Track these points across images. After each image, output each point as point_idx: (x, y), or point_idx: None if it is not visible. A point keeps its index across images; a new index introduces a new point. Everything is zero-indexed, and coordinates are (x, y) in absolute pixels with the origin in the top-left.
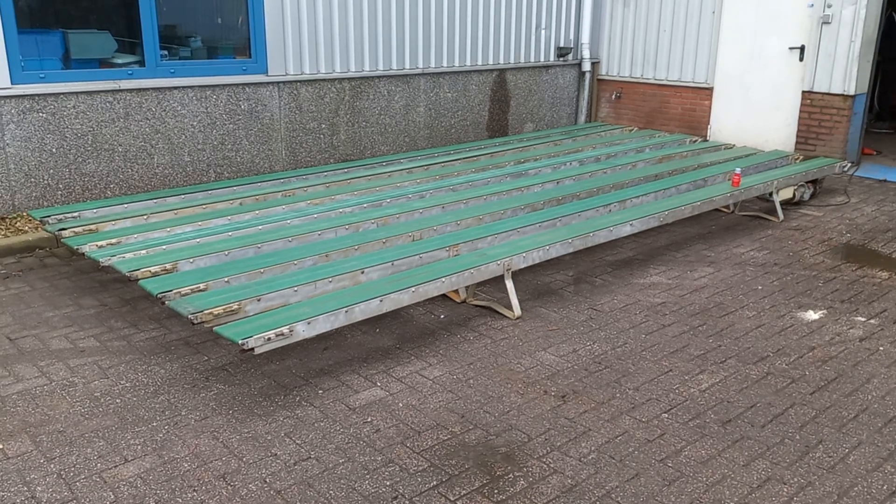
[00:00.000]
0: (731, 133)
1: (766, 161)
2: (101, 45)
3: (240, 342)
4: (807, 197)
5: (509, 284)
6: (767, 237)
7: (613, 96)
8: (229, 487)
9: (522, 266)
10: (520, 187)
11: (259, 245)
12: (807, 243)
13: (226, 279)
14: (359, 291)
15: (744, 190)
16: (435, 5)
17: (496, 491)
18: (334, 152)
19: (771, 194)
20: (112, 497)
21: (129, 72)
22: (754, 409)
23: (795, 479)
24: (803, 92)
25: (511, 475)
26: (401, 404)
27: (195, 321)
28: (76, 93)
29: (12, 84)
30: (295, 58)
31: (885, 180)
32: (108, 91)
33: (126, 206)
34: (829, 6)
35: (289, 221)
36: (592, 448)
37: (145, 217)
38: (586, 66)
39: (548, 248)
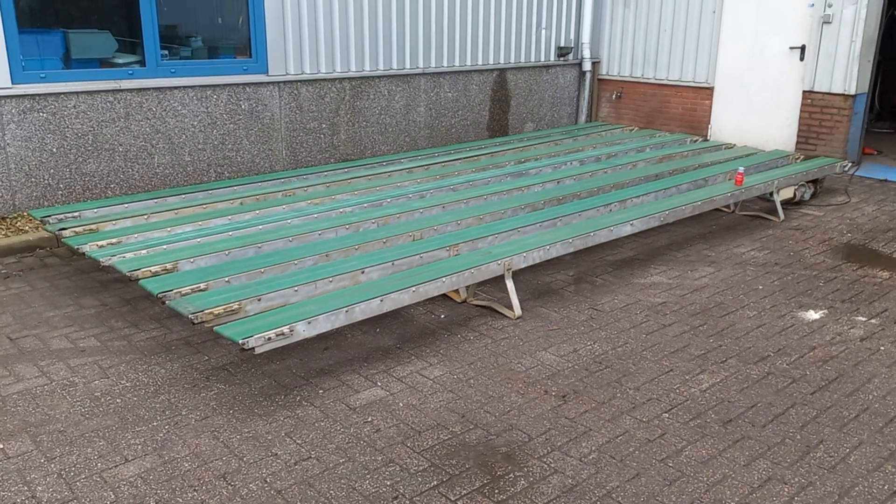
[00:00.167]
0: (731, 133)
1: (767, 161)
2: (102, 44)
3: (240, 342)
4: (807, 197)
5: (510, 284)
6: (768, 237)
7: (614, 96)
8: (230, 487)
9: (523, 266)
10: (520, 187)
11: (259, 245)
12: (807, 243)
13: (226, 279)
14: (359, 291)
15: (744, 190)
16: (435, 5)
17: (497, 491)
18: (335, 152)
19: (771, 194)
20: (112, 497)
21: (130, 72)
22: (755, 409)
23: (796, 479)
24: (804, 92)
25: (511, 475)
26: (401, 404)
27: (195, 321)
28: (77, 92)
29: (13, 84)
30: (295, 57)
31: (885, 180)
32: (109, 91)
33: (126, 205)
34: (830, 6)
35: (289, 221)
36: (593, 448)
37: (146, 217)
38: (587, 66)
39: (548, 247)
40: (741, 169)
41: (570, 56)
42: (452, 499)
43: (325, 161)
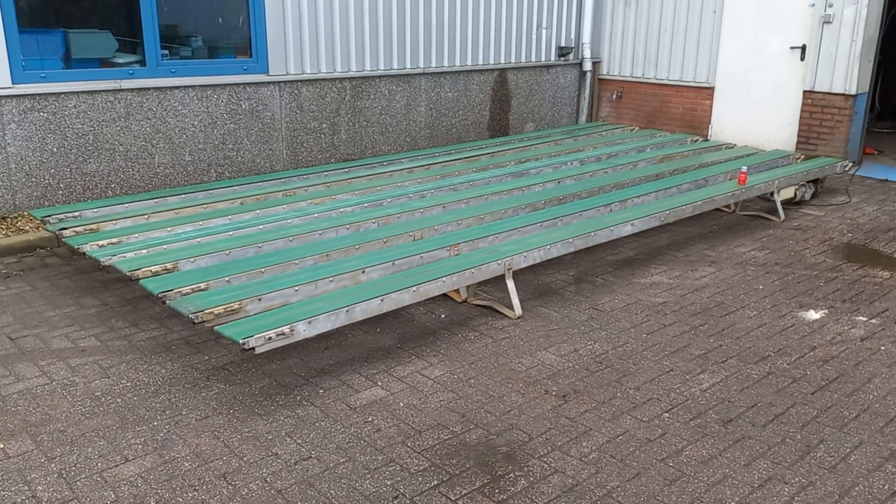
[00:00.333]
0: (732, 133)
1: (768, 160)
2: (102, 44)
3: (240, 341)
4: (808, 196)
5: (510, 284)
6: (768, 237)
7: (614, 96)
8: (230, 487)
9: (523, 265)
10: (521, 187)
11: (260, 244)
12: (808, 243)
13: (226, 279)
14: (359, 291)
15: (745, 189)
16: (436, 5)
17: (497, 490)
18: (335, 152)
19: (772, 194)
20: (113, 496)
21: (130, 71)
22: (755, 409)
23: (797, 479)
24: (804, 91)
25: (512, 475)
26: (402, 404)
27: (196, 321)
28: (77, 92)
29: (13, 84)
30: (296, 57)
31: (886, 180)
32: (109, 91)
33: (127, 205)
34: (831, 5)
35: (289, 221)
36: (593, 447)
37: (146, 217)
38: (587, 66)
39: (549, 247)
40: (744, 168)
41: (571, 56)
42: (453, 498)
43: (326, 161)
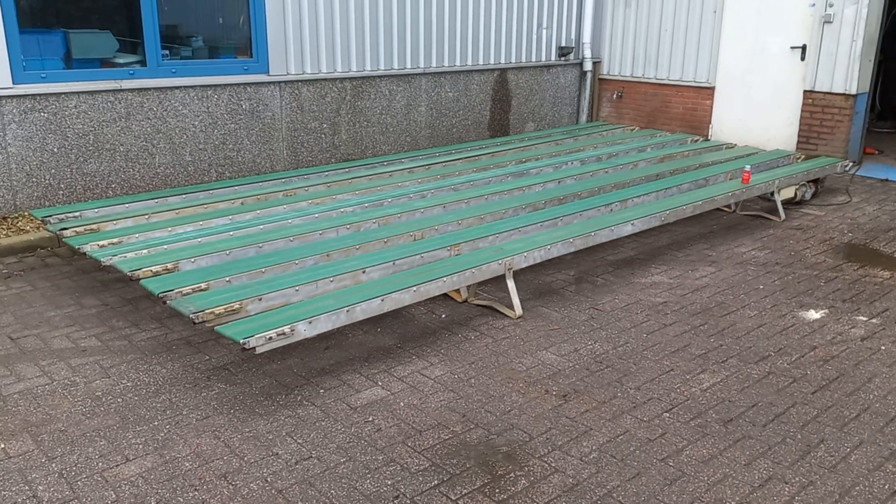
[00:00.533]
0: (732, 132)
1: (768, 160)
2: (103, 44)
3: (241, 341)
4: (808, 196)
5: (510, 284)
6: (769, 237)
7: (615, 96)
8: (231, 487)
9: (524, 265)
10: (521, 187)
11: (260, 244)
12: (808, 243)
13: (227, 279)
14: (360, 291)
15: (745, 189)
16: (436, 5)
17: (497, 490)
18: (335, 152)
19: (772, 193)
20: (113, 496)
21: (131, 71)
22: (756, 409)
23: (797, 479)
24: (805, 91)
25: (512, 474)
26: (402, 403)
27: (196, 320)
28: (77, 92)
29: (14, 84)
30: (296, 57)
31: (886, 180)
32: (110, 91)
33: (127, 205)
34: (831, 5)
35: (290, 221)
36: (594, 447)
37: (146, 217)
38: (587, 66)
39: (549, 247)
40: (748, 167)
41: (571, 56)
42: (453, 498)
43: (326, 161)
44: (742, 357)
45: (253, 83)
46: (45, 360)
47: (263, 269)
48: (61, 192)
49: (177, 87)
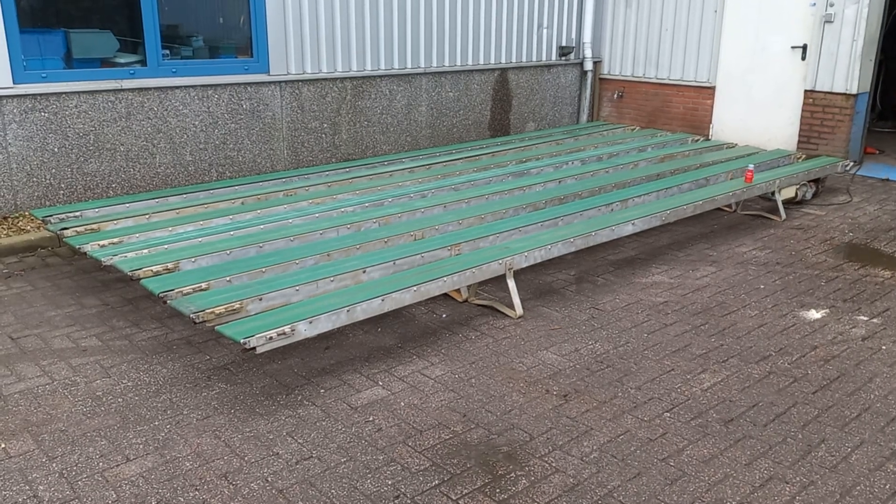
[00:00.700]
0: (733, 132)
1: (769, 160)
2: (103, 44)
3: (241, 341)
4: (809, 196)
5: (511, 284)
6: (770, 236)
7: (615, 95)
8: (231, 486)
9: (524, 265)
10: (522, 186)
11: (261, 244)
12: (809, 242)
13: (227, 278)
14: (360, 290)
15: (746, 189)
16: (436, 4)
17: (498, 490)
18: (336, 152)
19: (773, 193)
20: (114, 496)
21: (131, 71)
22: (756, 409)
23: (798, 479)
24: (805, 91)
25: (513, 474)
26: (402, 403)
27: (197, 320)
28: (78, 92)
29: (14, 84)
30: (297, 57)
31: (887, 179)
32: (110, 91)
33: (128, 205)
34: (832, 5)
35: (290, 221)
36: (594, 447)
37: (147, 216)
38: (588, 66)
39: (549, 247)
40: (751, 166)
41: (572, 55)
42: (454, 498)
43: (327, 161)
44: (743, 357)
45: (253, 83)
46: (45, 360)
47: (264, 269)
48: (62, 191)
49: (177, 87)
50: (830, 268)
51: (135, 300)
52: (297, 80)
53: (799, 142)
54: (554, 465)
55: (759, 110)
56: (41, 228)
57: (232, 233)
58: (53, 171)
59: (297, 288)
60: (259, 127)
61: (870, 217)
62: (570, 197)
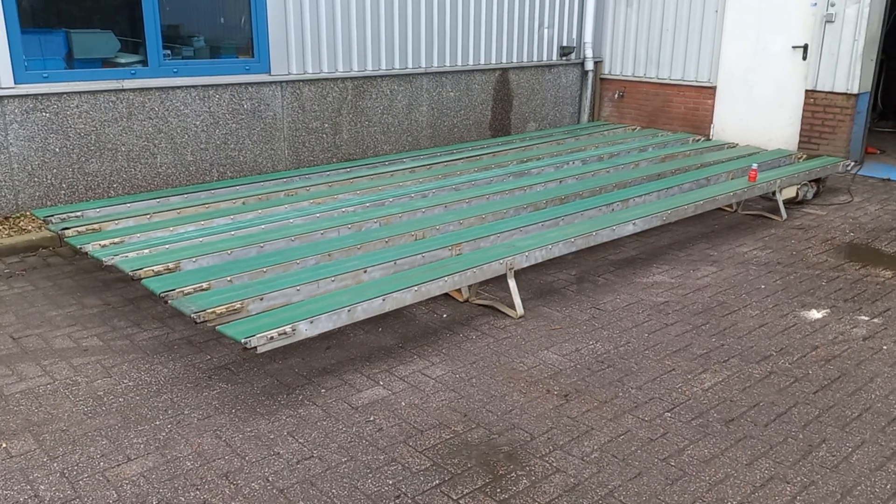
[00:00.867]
0: (734, 132)
1: (770, 160)
2: (104, 44)
3: (242, 341)
4: (810, 196)
5: (512, 283)
6: (770, 236)
7: (616, 95)
8: (232, 486)
9: (525, 265)
10: (522, 186)
11: (262, 244)
12: (810, 242)
13: (228, 278)
14: (361, 290)
15: (747, 189)
16: (437, 4)
17: (499, 490)
18: (337, 152)
19: (774, 193)
20: (115, 496)
21: (132, 71)
22: (757, 409)
23: (798, 479)
24: (806, 91)
25: (513, 474)
26: (403, 403)
27: (198, 320)
28: (79, 92)
29: (15, 84)
30: (298, 57)
31: (888, 179)
32: (112, 91)
33: (129, 205)
34: (833, 4)
35: (291, 221)
36: (595, 447)
37: (148, 216)
38: (589, 66)
39: (550, 247)
40: (755, 165)
41: (573, 55)
42: (454, 498)
43: (328, 161)
44: (743, 357)
45: (254, 83)
46: (46, 360)
47: (265, 269)
48: (63, 191)
49: (178, 87)
50: (831, 268)
51: (136, 300)
52: (298, 80)
53: (800, 142)
54: (555, 464)
55: (759, 110)
56: (42, 228)
57: (233, 233)
58: (55, 170)
59: (298, 288)
60: (260, 127)
61: (871, 217)
62: (571, 197)
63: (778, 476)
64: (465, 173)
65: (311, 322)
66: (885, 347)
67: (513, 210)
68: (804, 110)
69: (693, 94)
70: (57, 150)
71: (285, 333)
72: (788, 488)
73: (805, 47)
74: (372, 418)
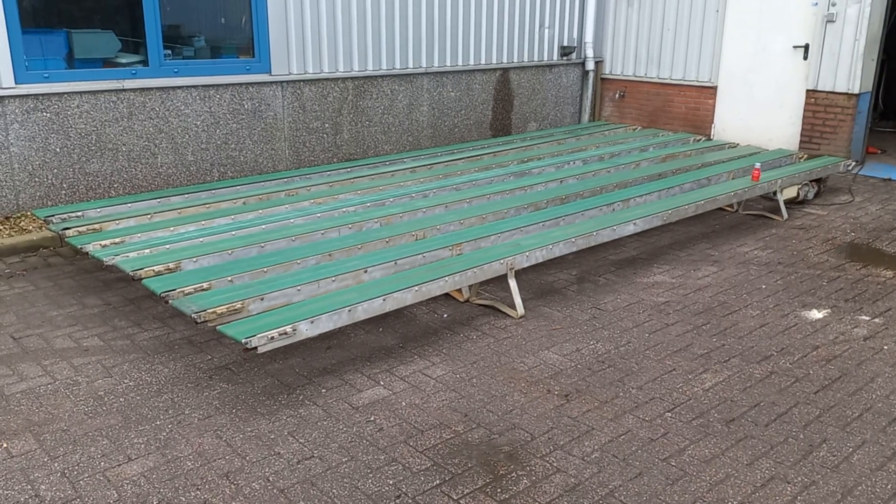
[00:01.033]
0: (734, 132)
1: (771, 160)
2: (105, 44)
3: (243, 341)
4: (811, 196)
5: (512, 283)
6: (771, 236)
7: (617, 95)
8: (232, 486)
9: (526, 265)
10: (523, 186)
11: (262, 244)
12: (811, 242)
13: (229, 278)
14: (362, 290)
15: (748, 189)
16: (438, 4)
17: (499, 490)
18: (337, 152)
19: (775, 193)
20: (115, 496)
21: (133, 71)
22: (758, 408)
23: (799, 479)
24: (807, 90)
25: (514, 474)
26: (404, 403)
27: (199, 320)
28: (80, 92)
29: (16, 84)
30: (298, 57)
31: (889, 179)
32: (112, 91)
33: (130, 205)
34: (834, 4)
35: (292, 221)
36: (595, 447)
37: (149, 216)
38: (590, 65)
39: (551, 246)
40: (758, 164)
41: (574, 55)
42: (455, 498)
43: (328, 161)
44: (744, 357)
45: (255, 83)
46: (47, 360)
47: (265, 269)
48: (64, 191)
49: (179, 87)
50: (832, 268)
51: (136, 300)
52: (299, 80)
53: (801, 141)
54: (555, 464)
55: (760, 110)
56: (43, 228)
57: (234, 233)
58: (55, 171)
59: (299, 288)
60: (261, 127)
61: (872, 217)
62: (572, 197)
63: (779, 476)
64: (465, 173)
65: (312, 322)
66: (885, 347)
67: (513, 210)
68: (805, 110)
69: (694, 94)
70: (58, 150)
71: (286, 333)
72: (789, 488)
73: (806, 47)
74: (372, 418)
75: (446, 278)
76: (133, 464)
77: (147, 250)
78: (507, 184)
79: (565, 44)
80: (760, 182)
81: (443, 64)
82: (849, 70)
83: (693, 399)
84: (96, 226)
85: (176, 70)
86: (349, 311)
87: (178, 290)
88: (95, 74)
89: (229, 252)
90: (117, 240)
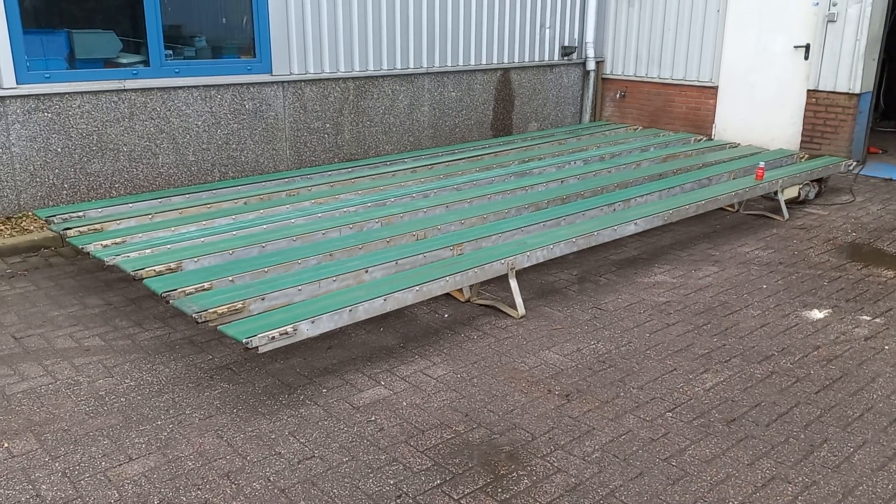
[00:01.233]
0: (735, 132)
1: (772, 160)
2: (106, 44)
3: (244, 341)
4: (812, 196)
5: (513, 283)
6: (772, 236)
7: (618, 95)
8: (233, 486)
9: (526, 265)
10: (524, 186)
11: (263, 244)
12: (812, 242)
13: (230, 278)
14: (363, 290)
15: (749, 188)
16: (439, 4)
17: (500, 490)
18: (338, 152)
19: (776, 193)
20: (116, 495)
21: (134, 72)
22: (759, 408)
23: (800, 479)
24: (808, 90)
25: (515, 474)
26: (405, 403)
27: (199, 320)
28: (81, 92)
29: (18, 84)
30: (299, 57)
31: (890, 179)
32: (113, 91)
33: (131, 205)
34: (835, 4)
35: (293, 221)
36: (596, 447)
37: (150, 216)
38: (591, 65)
39: (552, 247)
40: (762, 164)
41: (574, 55)
42: (455, 498)
43: (329, 161)
44: (745, 357)
45: (256, 83)
46: (48, 360)
47: (266, 269)
48: (65, 191)
49: (180, 87)
50: (833, 268)
51: (137, 300)
52: (300, 81)
53: (802, 141)
54: (556, 464)
55: (761, 110)
56: (44, 228)
57: (234, 233)
58: (56, 171)
59: (300, 288)
60: (262, 127)
61: (873, 217)
62: (573, 197)
63: (779, 476)
64: (466, 173)
65: (313, 322)
66: (886, 347)
67: (514, 210)
68: (806, 110)
69: (695, 94)
70: (59, 150)
71: (287, 333)
72: (790, 488)
73: (807, 47)
74: (373, 418)
75: (447, 278)
76: (134, 463)
77: (148, 250)
78: (508, 184)
79: (566, 44)
80: (762, 182)
81: (444, 64)
82: (850, 70)
83: (694, 399)
84: (97, 226)
85: (177, 70)
86: (350, 310)
87: (179, 290)
88: (97, 75)
89: (230, 252)
90: (118, 240)
